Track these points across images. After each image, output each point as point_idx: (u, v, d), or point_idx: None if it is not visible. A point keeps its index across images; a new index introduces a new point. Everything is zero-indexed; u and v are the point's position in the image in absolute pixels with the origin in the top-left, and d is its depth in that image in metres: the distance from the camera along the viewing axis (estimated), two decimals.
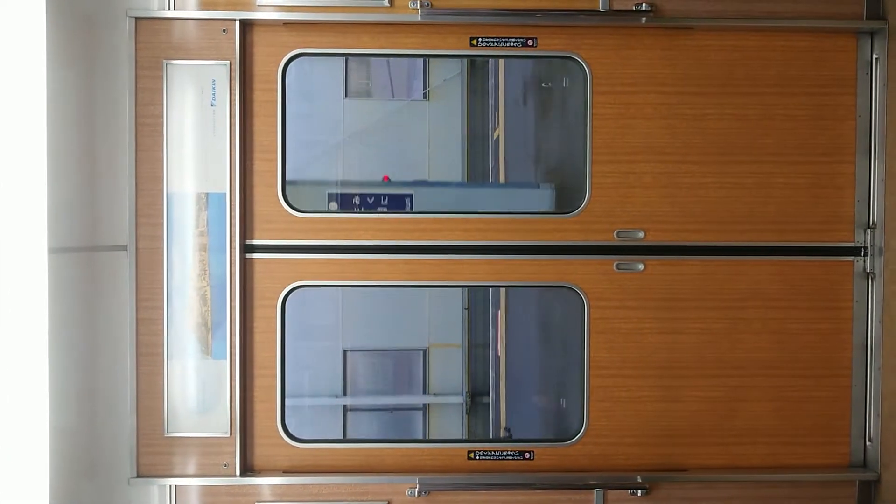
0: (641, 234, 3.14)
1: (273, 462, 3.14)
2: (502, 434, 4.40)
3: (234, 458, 3.07)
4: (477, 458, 3.17)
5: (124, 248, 3.05)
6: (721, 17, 3.10)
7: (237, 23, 3.02)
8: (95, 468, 3.03)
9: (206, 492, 3.12)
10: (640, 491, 3.10)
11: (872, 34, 3.14)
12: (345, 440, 3.22)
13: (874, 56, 3.14)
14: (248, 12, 3.03)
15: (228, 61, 3.03)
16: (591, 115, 3.13)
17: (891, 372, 3.09)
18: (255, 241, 3.11)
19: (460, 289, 4.95)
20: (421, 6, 3.02)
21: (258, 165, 3.11)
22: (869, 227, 3.16)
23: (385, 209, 3.89)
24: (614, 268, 3.15)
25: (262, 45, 3.10)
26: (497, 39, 3.12)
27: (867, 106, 3.16)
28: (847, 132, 3.17)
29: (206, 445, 3.07)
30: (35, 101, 2.61)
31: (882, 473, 3.13)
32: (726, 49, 3.14)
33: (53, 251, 2.70)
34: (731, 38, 3.13)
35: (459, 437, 6.00)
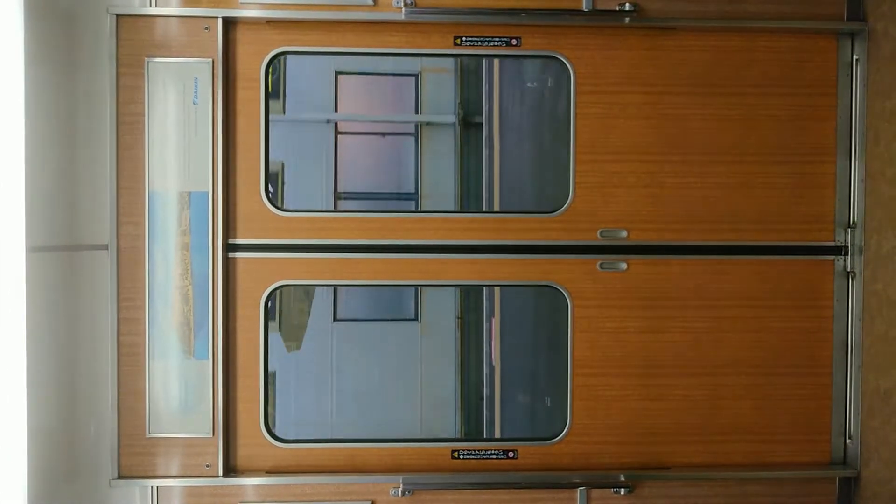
0: (625, 234, 3.15)
1: (256, 462, 3.12)
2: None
3: (217, 458, 3.05)
4: (461, 457, 3.17)
5: (105, 247, 3.02)
6: (704, 18, 3.12)
7: (220, 20, 3.00)
8: (75, 470, 3.00)
9: (189, 493, 3.09)
10: (623, 489, 3.12)
11: (853, 36, 3.17)
12: (329, 440, 3.20)
13: (854, 57, 3.17)
14: (230, 10, 3.01)
15: (211, 59, 3.01)
16: (575, 114, 3.14)
17: (871, 370, 3.11)
18: (238, 241, 3.10)
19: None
20: (405, 5, 3.01)
21: (241, 164, 3.09)
22: (849, 227, 3.19)
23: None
24: (598, 267, 3.16)
25: (244, 43, 3.08)
26: (481, 39, 3.12)
27: (848, 107, 3.18)
28: (828, 132, 3.20)
29: (189, 446, 3.05)
30: (13, 99, 2.58)
31: (862, 471, 3.16)
32: (709, 49, 3.16)
33: (32, 250, 2.67)
34: (714, 38, 3.15)
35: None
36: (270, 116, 3.10)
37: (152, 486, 3.08)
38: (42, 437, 2.72)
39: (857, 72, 3.16)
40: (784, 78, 3.18)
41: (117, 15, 2.98)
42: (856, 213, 3.18)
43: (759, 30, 3.14)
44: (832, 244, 3.21)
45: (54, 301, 2.83)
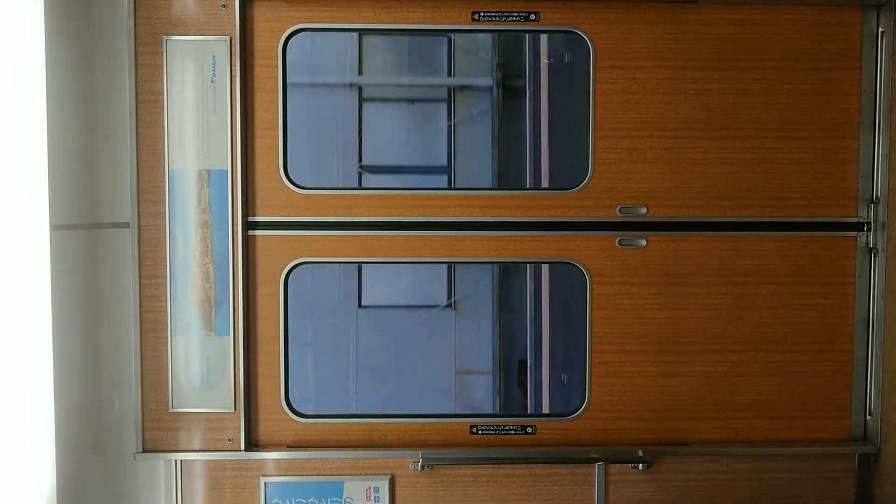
0: (644, 210, 3.14)
1: (277, 437, 3.17)
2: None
3: (239, 432, 3.09)
4: (479, 432, 3.20)
5: (127, 225, 3.05)
6: None
7: None
8: (101, 444, 3.06)
9: (211, 466, 3.15)
10: (641, 465, 3.13)
11: (878, 7, 3.10)
12: (348, 415, 3.24)
13: (880, 30, 3.11)
14: None
15: (228, 37, 3.00)
16: (594, 90, 3.11)
17: (892, 347, 3.09)
18: (257, 218, 3.11)
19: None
20: None
21: (259, 142, 3.09)
22: (872, 203, 3.15)
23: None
24: (617, 244, 3.15)
25: (262, 21, 3.07)
26: (499, 13, 3.09)
27: (872, 80, 3.13)
28: (851, 107, 3.15)
29: (211, 421, 3.10)
30: (34, 78, 2.60)
31: (882, 447, 3.15)
32: (730, 23, 3.11)
33: (56, 228, 2.70)
34: (736, 12, 3.10)
35: None
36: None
37: (175, 460, 3.13)
38: (69, 413, 2.78)
39: (883, 44, 3.10)
40: (807, 51, 3.13)
41: None
42: (879, 189, 3.14)
43: (781, 2, 3.09)
44: (854, 220, 3.17)
45: (78, 279, 2.87)
